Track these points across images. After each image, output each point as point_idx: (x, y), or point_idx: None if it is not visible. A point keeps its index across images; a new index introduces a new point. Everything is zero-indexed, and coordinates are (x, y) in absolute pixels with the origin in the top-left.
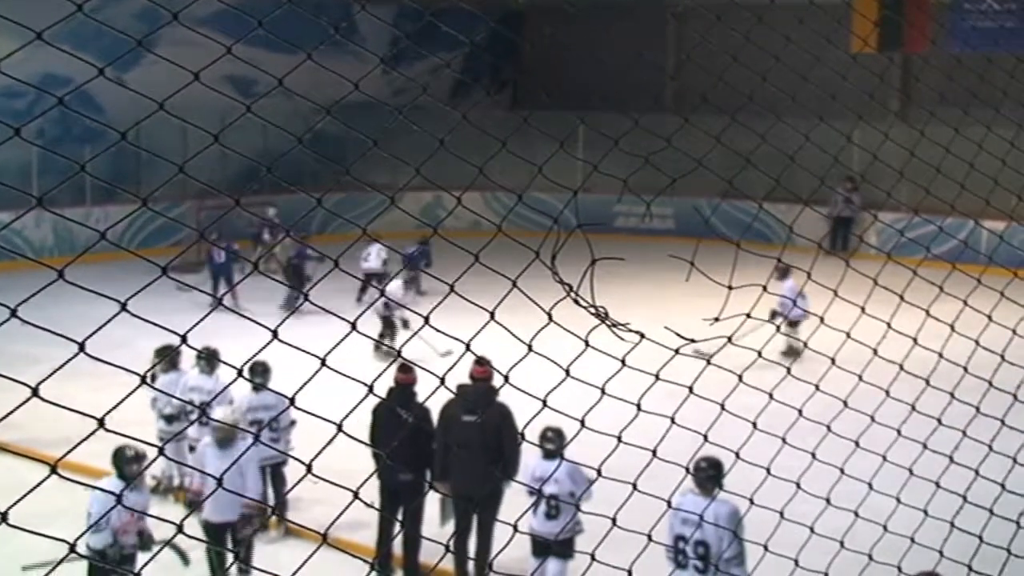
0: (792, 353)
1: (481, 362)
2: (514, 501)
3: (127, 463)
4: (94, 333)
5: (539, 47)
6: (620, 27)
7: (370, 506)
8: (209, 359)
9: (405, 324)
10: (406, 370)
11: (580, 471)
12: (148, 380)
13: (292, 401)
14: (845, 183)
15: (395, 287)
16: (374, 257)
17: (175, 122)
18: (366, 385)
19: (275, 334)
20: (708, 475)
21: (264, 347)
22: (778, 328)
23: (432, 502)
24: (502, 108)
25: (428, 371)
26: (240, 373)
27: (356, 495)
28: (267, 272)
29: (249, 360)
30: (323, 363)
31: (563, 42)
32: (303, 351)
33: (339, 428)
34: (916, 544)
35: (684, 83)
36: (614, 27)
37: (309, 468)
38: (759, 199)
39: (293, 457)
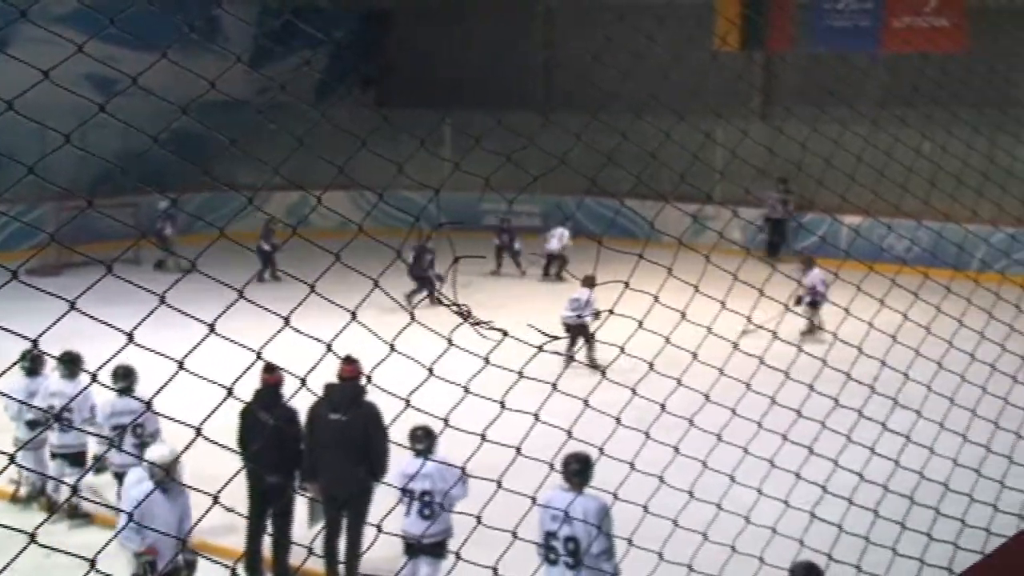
0: (810, 331)
1: (349, 361)
2: (386, 501)
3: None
4: None
5: (405, 46)
6: (488, 26)
7: (230, 510)
8: (69, 364)
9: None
10: (271, 370)
11: (451, 470)
12: None
13: (149, 405)
14: (779, 184)
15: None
16: (556, 240)
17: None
18: (226, 388)
19: (131, 337)
20: (576, 471)
21: (121, 350)
22: (787, 307)
23: (301, 503)
24: (367, 107)
25: (291, 373)
26: (94, 378)
27: (216, 499)
28: (176, 269)
29: (107, 362)
30: (180, 366)
31: (430, 40)
32: (161, 354)
33: (198, 432)
34: (778, 535)
35: (552, 82)
36: (481, 26)
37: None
38: (621, 196)
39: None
